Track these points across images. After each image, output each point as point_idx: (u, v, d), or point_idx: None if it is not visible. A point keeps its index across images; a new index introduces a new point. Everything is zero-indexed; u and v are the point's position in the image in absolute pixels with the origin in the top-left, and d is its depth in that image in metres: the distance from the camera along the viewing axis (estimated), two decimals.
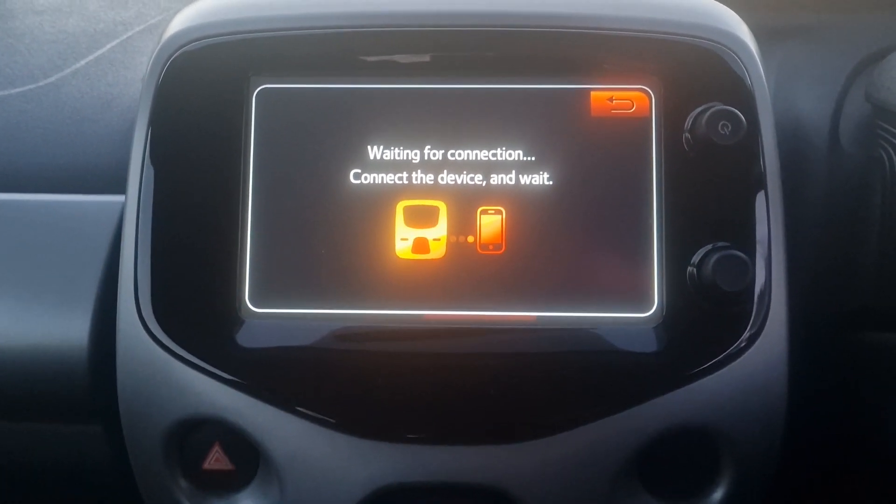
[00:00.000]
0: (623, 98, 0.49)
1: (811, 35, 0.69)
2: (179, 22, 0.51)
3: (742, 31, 0.50)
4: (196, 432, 0.48)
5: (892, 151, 0.56)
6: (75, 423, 0.53)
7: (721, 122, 0.46)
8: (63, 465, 0.55)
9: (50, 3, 0.75)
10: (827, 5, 0.73)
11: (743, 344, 0.46)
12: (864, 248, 0.58)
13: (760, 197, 0.47)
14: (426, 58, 0.49)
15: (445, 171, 0.48)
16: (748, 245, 0.46)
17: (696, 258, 0.46)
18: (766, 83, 0.49)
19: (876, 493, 0.60)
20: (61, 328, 0.51)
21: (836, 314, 0.60)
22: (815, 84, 0.65)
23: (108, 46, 0.69)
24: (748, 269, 0.45)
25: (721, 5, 0.51)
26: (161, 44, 0.50)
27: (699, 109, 0.47)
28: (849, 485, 0.61)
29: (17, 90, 0.65)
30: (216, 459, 0.48)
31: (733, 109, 0.46)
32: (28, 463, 0.56)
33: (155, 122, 0.48)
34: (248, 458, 0.48)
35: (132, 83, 0.64)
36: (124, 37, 0.70)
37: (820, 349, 0.58)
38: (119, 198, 0.52)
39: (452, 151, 0.48)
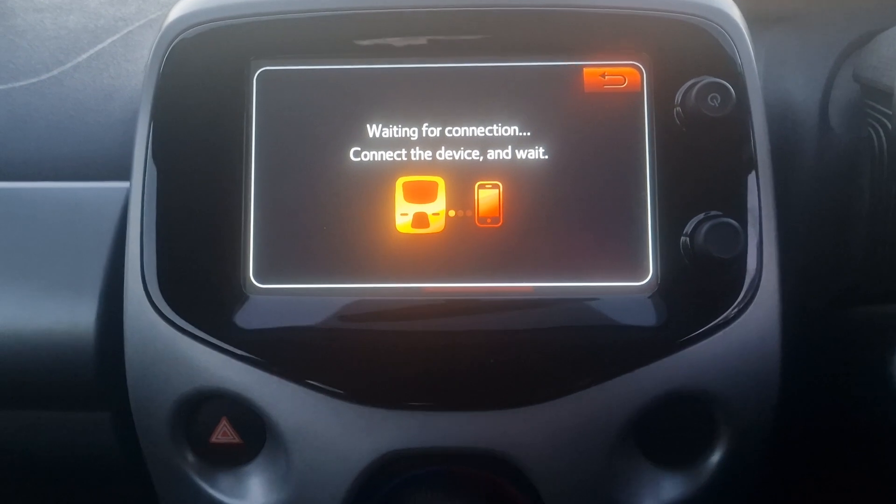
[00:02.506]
0: (615, 74, 0.50)
1: (799, 20, 0.70)
2: (179, 9, 0.52)
3: (730, 7, 0.51)
4: (203, 407, 0.49)
5: (880, 129, 0.57)
6: (83, 409, 0.53)
7: (710, 95, 0.47)
8: (71, 452, 0.56)
9: (51, 1, 0.77)
10: None
11: (736, 310, 0.47)
12: (854, 225, 0.59)
13: (750, 167, 0.48)
14: (423, 39, 0.50)
15: (443, 148, 0.49)
16: (739, 213, 0.47)
17: (689, 227, 0.47)
18: (753, 58, 0.50)
19: (867, 458, 0.61)
20: (68, 314, 0.52)
21: (828, 290, 0.61)
22: (804, 68, 0.66)
23: (109, 41, 0.70)
24: (740, 237, 0.46)
25: None
26: (162, 30, 0.51)
27: (689, 83, 0.48)
28: (841, 451, 0.62)
29: (21, 84, 0.66)
30: (223, 433, 0.49)
31: (722, 82, 0.47)
32: (37, 450, 0.57)
33: (158, 107, 0.50)
34: (255, 431, 0.49)
35: (133, 75, 0.65)
36: (125, 31, 0.71)
37: (813, 325, 0.59)
38: (122, 184, 0.53)
39: (450, 128, 0.50)
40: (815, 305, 0.61)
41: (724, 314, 0.47)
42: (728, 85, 0.47)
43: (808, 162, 0.62)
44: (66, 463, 0.57)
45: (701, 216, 0.47)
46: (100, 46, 0.70)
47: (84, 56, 0.68)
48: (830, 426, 0.59)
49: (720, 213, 0.47)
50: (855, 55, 0.65)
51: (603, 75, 0.50)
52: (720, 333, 0.47)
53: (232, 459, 0.50)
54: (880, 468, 0.59)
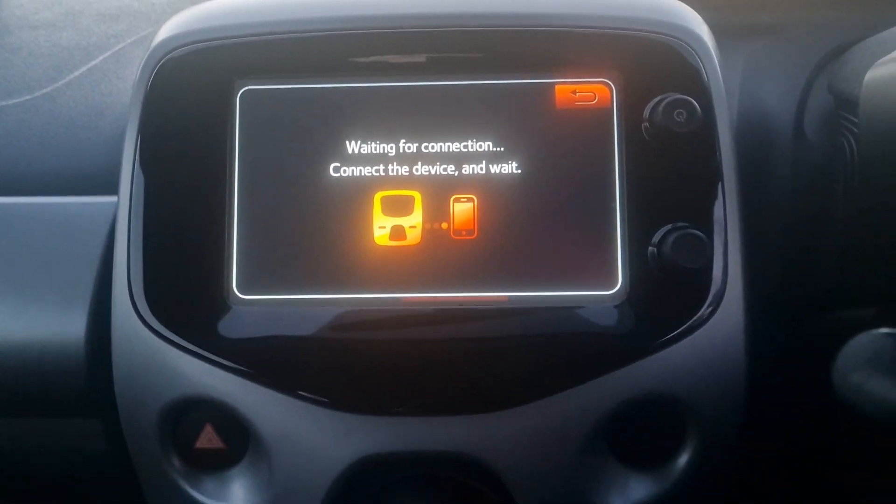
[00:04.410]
0: (586, 90, 0.52)
1: (778, 32, 0.72)
2: (167, 30, 0.54)
3: (698, 25, 0.53)
4: (189, 414, 0.51)
5: (852, 139, 0.58)
6: (76, 416, 0.55)
7: (676, 111, 0.49)
8: (66, 458, 0.57)
9: (45, 18, 0.79)
10: (791, 4, 0.77)
11: (702, 317, 0.48)
12: (828, 231, 0.60)
13: (716, 180, 0.50)
14: (399, 57, 0.52)
15: (420, 163, 0.51)
16: (705, 225, 0.49)
17: (656, 238, 0.49)
18: (720, 74, 0.52)
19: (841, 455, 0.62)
20: (59, 324, 0.53)
21: (803, 296, 0.62)
22: (780, 79, 0.68)
23: (101, 58, 0.72)
24: (705, 247, 0.48)
25: (677, 2, 0.54)
26: (150, 50, 0.53)
27: (657, 99, 0.50)
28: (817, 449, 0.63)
29: (15, 101, 0.68)
30: (208, 439, 0.51)
31: (688, 98, 0.49)
32: (29, 458, 0.58)
33: (144, 123, 0.51)
34: (239, 436, 0.51)
35: (124, 92, 0.67)
36: (116, 48, 0.73)
37: (786, 330, 0.61)
38: (112, 198, 0.55)
39: (426, 144, 0.51)
40: (789, 311, 0.62)
41: (691, 321, 0.48)
42: (693, 101, 0.49)
43: (784, 171, 0.64)
44: (60, 469, 0.59)
45: (668, 227, 0.49)
46: (92, 63, 0.72)
47: (76, 73, 0.70)
48: (797, 434, 0.61)
49: (687, 224, 0.49)
50: (829, 66, 0.67)
51: (574, 92, 0.52)
52: (686, 340, 0.48)
53: (216, 464, 0.51)
54: (837, 477, 0.61)
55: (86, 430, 0.56)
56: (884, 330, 0.33)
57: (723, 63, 0.70)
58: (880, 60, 0.57)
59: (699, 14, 0.64)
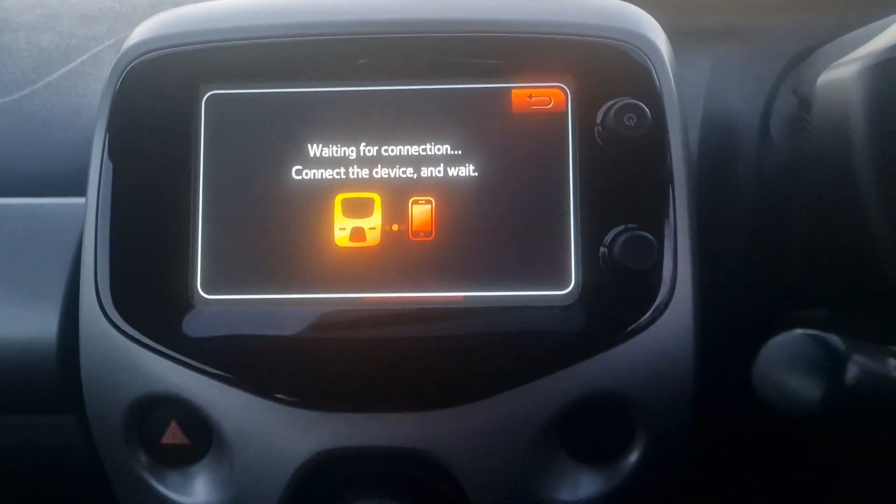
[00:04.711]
0: (541, 95, 0.53)
1: (747, 35, 0.73)
2: (137, 34, 0.55)
3: (652, 30, 0.54)
4: (155, 411, 0.52)
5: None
6: (48, 413, 0.57)
7: (627, 115, 0.50)
8: (42, 454, 0.59)
9: (25, 20, 0.80)
10: (760, 7, 0.78)
11: (650, 317, 0.50)
12: (790, 233, 0.62)
13: (667, 183, 0.51)
14: (360, 63, 0.53)
15: (379, 166, 0.53)
16: (655, 227, 0.50)
17: (607, 239, 0.50)
18: (673, 79, 0.53)
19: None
20: (32, 323, 0.55)
21: (767, 296, 0.64)
22: (747, 81, 0.69)
23: (79, 60, 0.73)
24: (654, 248, 0.49)
25: (634, 8, 0.56)
26: (119, 54, 0.54)
27: (609, 104, 0.51)
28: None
29: None
30: (173, 435, 0.52)
31: (638, 103, 0.50)
32: (8, 453, 0.60)
33: (112, 126, 0.53)
34: (203, 433, 0.52)
35: (99, 94, 0.69)
36: (94, 51, 0.74)
37: (748, 330, 0.62)
38: (84, 199, 0.57)
39: (386, 147, 0.53)
40: (752, 311, 0.63)
41: (639, 321, 0.50)
42: (643, 106, 0.50)
43: (749, 172, 0.65)
44: (36, 465, 0.60)
45: (619, 229, 0.50)
46: (70, 66, 0.73)
47: (55, 75, 0.72)
48: (753, 430, 0.62)
49: (637, 226, 0.50)
50: (795, 69, 0.68)
51: (530, 96, 0.53)
52: (635, 339, 0.50)
53: (181, 459, 0.53)
54: (777, 475, 0.62)
55: (60, 426, 0.57)
56: (801, 331, 0.34)
57: (690, 66, 0.71)
58: (833, 63, 0.58)
59: (664, 17, 0.65)
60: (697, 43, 0.74)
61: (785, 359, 0.34)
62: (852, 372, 0.32)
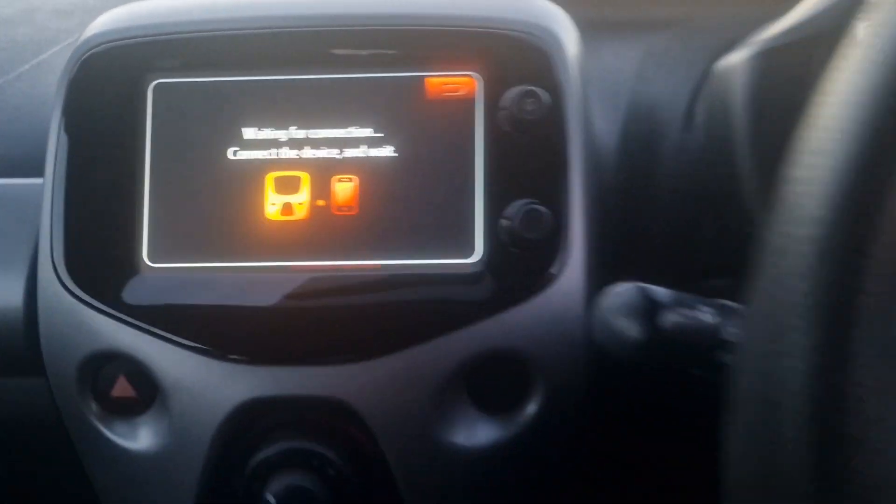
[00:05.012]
0: (454, 83, 0.59)
1: (682, 25, 0.78)
2: (91, 28, 0.61)
3: (557, 22, 0.59)
4: (105, 367, 0.58)
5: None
6: (18, 377, 0.63)
7: (527, 100, 0.56)
8: (15, 416, 0.65)
9: (4, 14, 0.86)
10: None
11: (544, 282, 0.55)
12: (707, 210, 0.67)
13: (563, 162, 0.57)
14: (291, 54, 0.59)
15: (307, 147, 0.58)
16: (550, 201, 0.56)
17: (508, 212, 0.56)
18: (574, 67, 0.58)
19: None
20: (1, 292, 0.61)
21: (684, 269, 0.69)
22: (678, 68, 0.74)
23: (50, 52, 0.79)
24: (548, 221, 0.55)
25: (543, 1, 0.61)
26: (75, 46, 0.60)
27: (512, 90, 0.57)
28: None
29: None
30: (122, 389, 0.58)
31: (535, 89, 0.56)
32: None
33: (67, 112, 0.59)
34: (149, 387, 0.58)
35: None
36: (64, 43, 0.80)
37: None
38: None
39: (313, 131, 0.59)
40: (669, 284, 0.69)
41: (534, 286, 0.55)
42: (542, 91, 0.56)
43: (672, 155, 0.70)
44: (9, 431, 0.66)
45: (518, 203, 0.56)
46: (42, 57, 0.79)
47: (26, 66, 0.78)
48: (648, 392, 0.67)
49: (534, 200, 0.56)
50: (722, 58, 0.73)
51: (443, 84, 0.59)
52: (531, 302, 0.55)
53: (129, 410, 0.59)
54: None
55: (33, 388, 0.63)
56: (633, 283, 0.40)
57: (622, 56, 0.76)
58: (729, 53, 0.64)
59: (589, 10, 0.70)
60: (632, 33, 0.79)
61: (616, 305, 0.39)
62: (666, 316, 0.38)
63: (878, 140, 0.27)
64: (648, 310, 0.38)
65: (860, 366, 0.27)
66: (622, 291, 0.40)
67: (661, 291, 0.39)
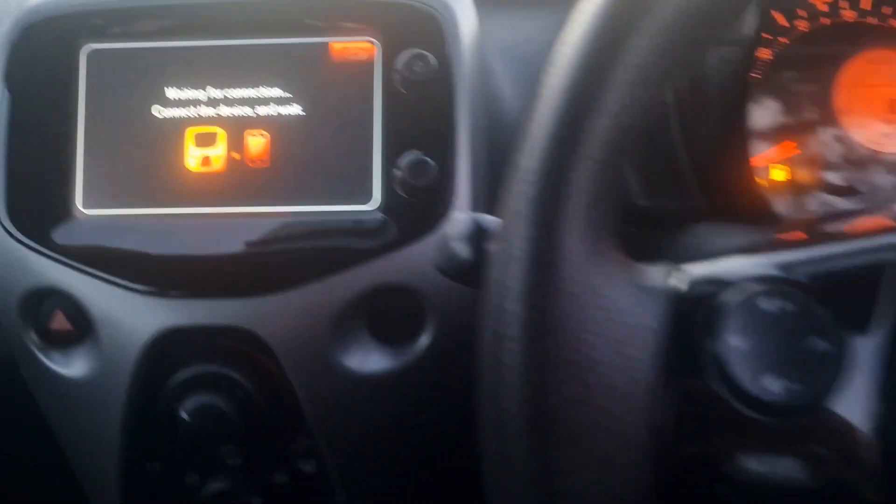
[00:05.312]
0: (355, 48, 0.65)
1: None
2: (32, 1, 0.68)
3: None
4: (44, 302, 0.65)
5: None
6: None
7: (416, 63, 0.63)
8: None
9: None
10: None
11: (430, 225, 0.62)
12: None
13: (449, 117, 0.63)
14: (209, 23, 0.66)
15: (223, 106, 0.65)
16: (436, 153, 0.63)
17: (400, 163, 0.63)
18: (463, 32, 0.65)
19: None
20: None
21: None
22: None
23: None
24: (433, 170, 0.62)
25: None
26: (15, 16, 0.67)
27: (405, 53, 0.64)
28: None
29: None
30: (59, 322, 0.65)
31: (425, 52, 0.63)
32: None
33: (8, 76, 0.66)
34: (83, 320, 0.65)
35: None
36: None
37: None
38: None
39: (228, 91, 0.65)
40: None
41: (424, 227, 0.62)
42: (428, 54, 0.63)
43: None
44: None
45: (409, 155, 0.63)
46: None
47: None
48: None
49: (422, 152, 0.63)
50: None
51: (346, 49, 0.65)
52: (420, 242, 0.62)
53: (66, 342, 0.66)
54: None
55: None
56: (472, 214, 0.46)
57: (536, 26, 0.82)
58: None
59: None
60: (554, 5, 0.86)
61: (453, 231, 0.46)
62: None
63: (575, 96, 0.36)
64: (476, 235, 0.45)
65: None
66: (460, 219, 0.46)
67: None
